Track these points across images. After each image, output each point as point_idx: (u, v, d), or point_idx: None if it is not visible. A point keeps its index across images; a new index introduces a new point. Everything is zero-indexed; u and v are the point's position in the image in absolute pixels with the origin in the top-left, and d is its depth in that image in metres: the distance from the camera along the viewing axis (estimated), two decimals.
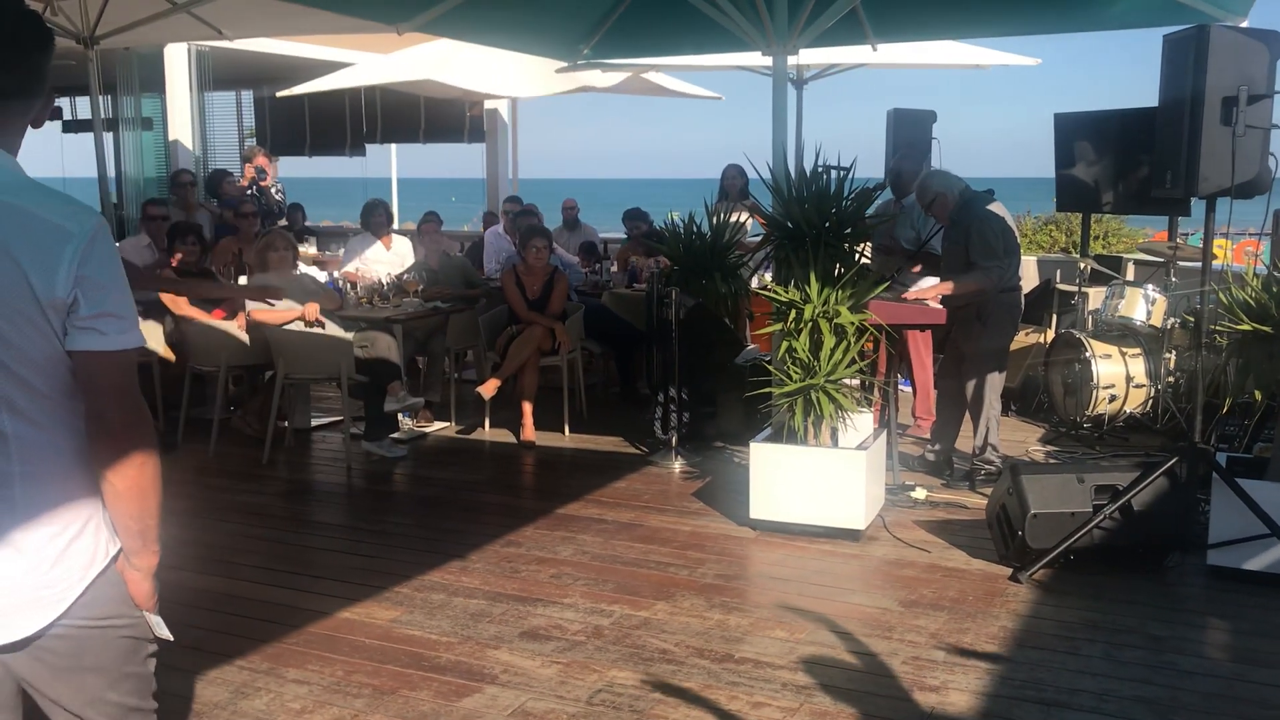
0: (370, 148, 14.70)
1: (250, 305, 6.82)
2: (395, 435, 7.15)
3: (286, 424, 7.29)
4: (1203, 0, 6.11)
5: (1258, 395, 4.77)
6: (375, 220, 8.46)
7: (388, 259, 8.33)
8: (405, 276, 7.78)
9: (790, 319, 5.34)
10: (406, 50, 10.36)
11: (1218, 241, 6.25)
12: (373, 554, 5.21)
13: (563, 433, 7.47)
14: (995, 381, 6.12)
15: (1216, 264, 4.92)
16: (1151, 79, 4.80)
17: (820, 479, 5.28)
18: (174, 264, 7.29)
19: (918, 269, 6.86)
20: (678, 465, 6.63)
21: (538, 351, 7.34)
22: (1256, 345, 4.62)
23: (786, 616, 4.38)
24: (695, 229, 6.77)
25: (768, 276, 7.15)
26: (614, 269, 9.44)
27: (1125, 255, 9.55)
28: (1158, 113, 4.75)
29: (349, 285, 7.73)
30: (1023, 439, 7.18)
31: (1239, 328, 4.65)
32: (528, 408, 7.26)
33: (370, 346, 6.98)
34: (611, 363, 8.88)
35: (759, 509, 5.40)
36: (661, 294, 6.67)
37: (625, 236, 9.83)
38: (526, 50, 8.19)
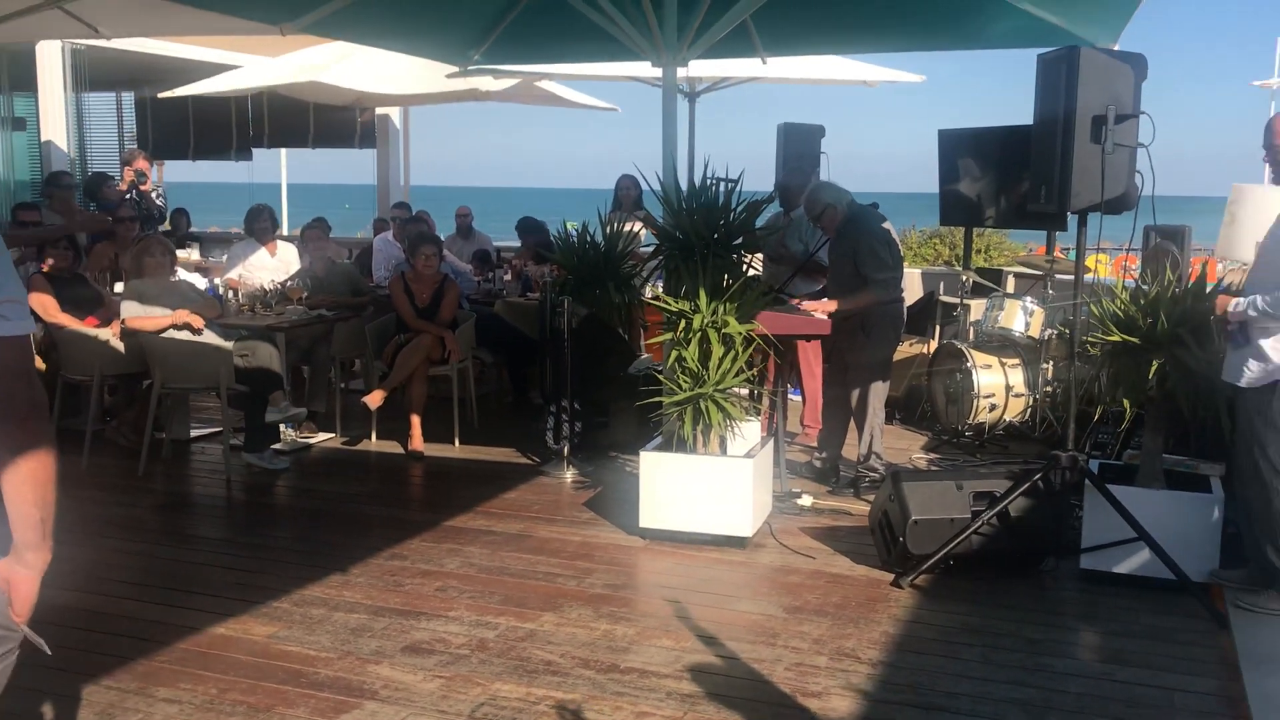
0: (258, 152, 14.36)
1: (126, 312, 6.58)
2: (277, 446, 6.99)
3: (164, 435, 7.06)
4: (1077, 25, 6.36)
5: (1127, 404, 4.93)
6: (259, 226, 8.27)
7: (272, 265, 8.14)
8: (289, 284, 7.61)
9: (680, 329, 5.37)
10: (294, 53, 10.18)
11: (1096, 255, 6.49)
12: (251, 568, 5.07)
13: (452, 443, 7.38)
14: (880, 390, 6.24)
15: (1089, 277, 5.07)
16: (1031, 97, 4.95)
17: (708, 487, 5.31)
18: (45, 270, 7.01)
19: (820, 285, 6.95)
20: (569, 475, 6.60)
21: (427, 361, 7.25)
22: (1126, 356, 4.78)
23: (673, 625, 4.38)
24: (589, 238, 6.77)
25: (659, 287, 7.18)
26: (507, 277, 9.38)
27: (1005, 268, 9.83)
28: (1033, 130, 4.89)
29: (230, 292, 7.52)
30: (906, 447, 7.32)
31: (1110, 339, 4.81)
32: (416, 418, 7.16)
33: (251, 355, 6.80)
34: (504, 372, 8.82)
35: (649, 518, 5.41)
36: (555, 303, 6.64)
37: (519, 245, 9.78)
38: (416, 54, 8.12)
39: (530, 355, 8.20)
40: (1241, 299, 4.40)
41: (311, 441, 7.43)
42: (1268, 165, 4.47)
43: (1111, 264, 13.47)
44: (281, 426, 7.06)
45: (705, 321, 5.29)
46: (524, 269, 9.08)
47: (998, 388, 7.17)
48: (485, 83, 10.04)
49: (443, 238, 8.92)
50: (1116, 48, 6.03)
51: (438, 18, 7.09)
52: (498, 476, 6.63)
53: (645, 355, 7.88)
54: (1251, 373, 4.39)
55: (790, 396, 7.55)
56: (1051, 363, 7.17)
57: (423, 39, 7.48)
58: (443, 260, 7.82)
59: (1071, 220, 4.92)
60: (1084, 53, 4.53)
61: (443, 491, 6.49)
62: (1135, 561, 4.76)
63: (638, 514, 5.44)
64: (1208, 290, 4.70)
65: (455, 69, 8.13)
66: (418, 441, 7.14)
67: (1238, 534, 4.76)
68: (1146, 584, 4.73)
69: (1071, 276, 7.62)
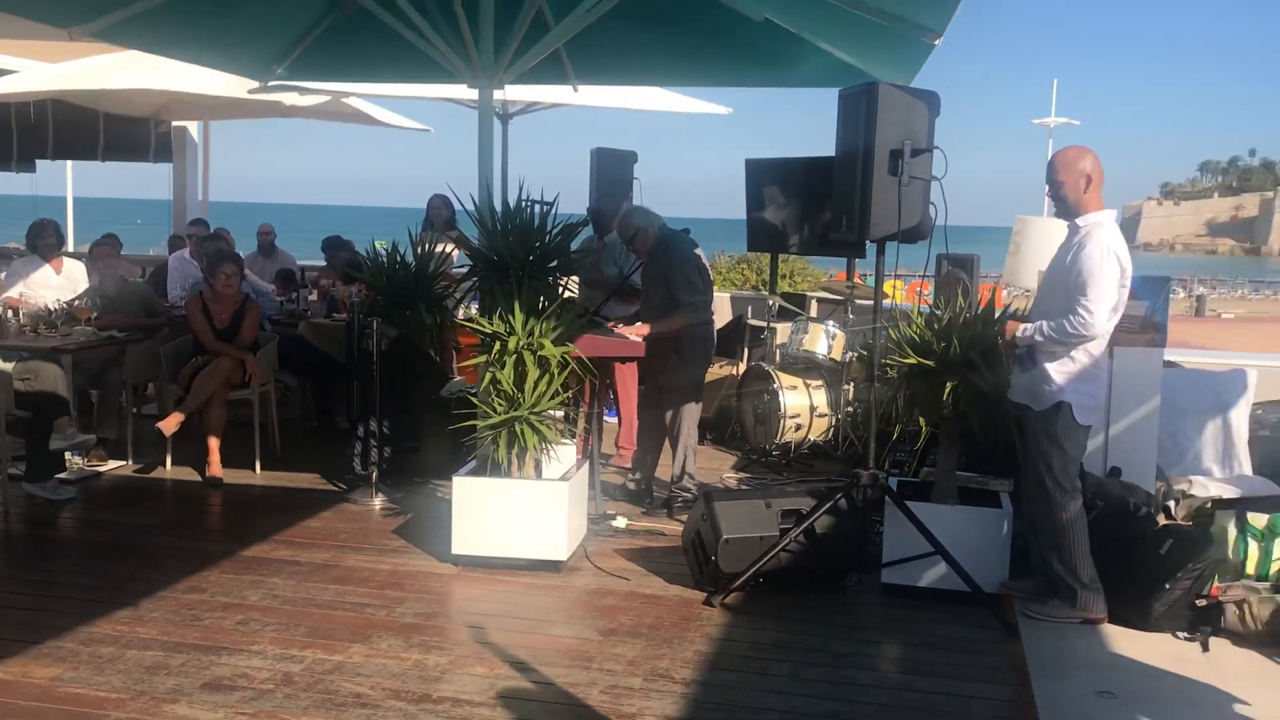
0: (41, 164, 13.49)
1: None
2: (62, 476, 6.56)
3: None
4: (875, 67, 6.66)
5: (923, 423, 5.16)
6: (44, 242, 7.76)
7: (57, 284, 7.65)
8: (77, 303, 7.18)
9: (495, 351, 5.32)
10: (83, 60, 9.62)
11: (893, 282, 6.78)
12: (31, 606, 4.73)
13: (253, 470, 7.09)
14: (692, 412, 6.34)
15: (887, 303, 5.30)
16: (833, 130, 5.15)
17: (523, 511, 5.27)
18: None
19: (634, 308, 7.01)
20: (378, 502, 6.44)
21: (226, 384, 6.96)
22: (922, 378, 5.01)
23: (487, 652, 4.32)
24: (399, 258, 6.64)
25: (474, 309, 7.11)
26: (312, 297, 9.11)
27: (809, 293, 10.18)
28: (834, 162, 5.09)
29: (10, 312, 7.04)
30: (717, 467, 7.47)
31: (906, 362, 5.03)
32: (214, 443, 6.86)
33: (34, 379, 6.37)
34: (308, 395, 8.54)
35: (462, 544, 5.33)
36: (363, 324, 6.48)
37: (325, 264, 9.52)
38: (213, 66, 7.81)
39: (336, 378, 7.98)
40: (1028, 325, 4.68)
41: (101, 470, 7.01)
42: (1050, 199, 4.76)
43: (906, 290, 14.15)
44: (67, 454, 6.64)
45: (521, 344, 5.26)
46: (330, 289, 8.84)
47: (803, 408, 7.40)
48: (291, 98, 9.76)
49: (243, 256, 8.60)
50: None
51: (238, 30, 6.85)
52: (302, 504, 6.41)
53: (457, 378, 7.79)
54: (1037, 394, 4.68)
55: (606, 418, 7.59)
56: (852, 384, 7.45)
57: (221, 52, 7.21)
58: (243, 279, 7.54)
59: (871, 248, 5.13)
60: (882, 89, 4.74)
61: (243, 520, 6.22)
62: (933, 574, 4.98)
63: (450, 540, 5.35)
64: (997, 316, 4.98)
65: (257, 84, 7.86)
66: (216, 468, 6.84)
67: (1025, 546, 5.05)
68: (943, 596, 4.95)
69: (870, 302, 8.00)
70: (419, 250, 6.69)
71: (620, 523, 6.01)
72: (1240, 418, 6.02)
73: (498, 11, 5.87)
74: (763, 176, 8.55)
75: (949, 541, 4.88)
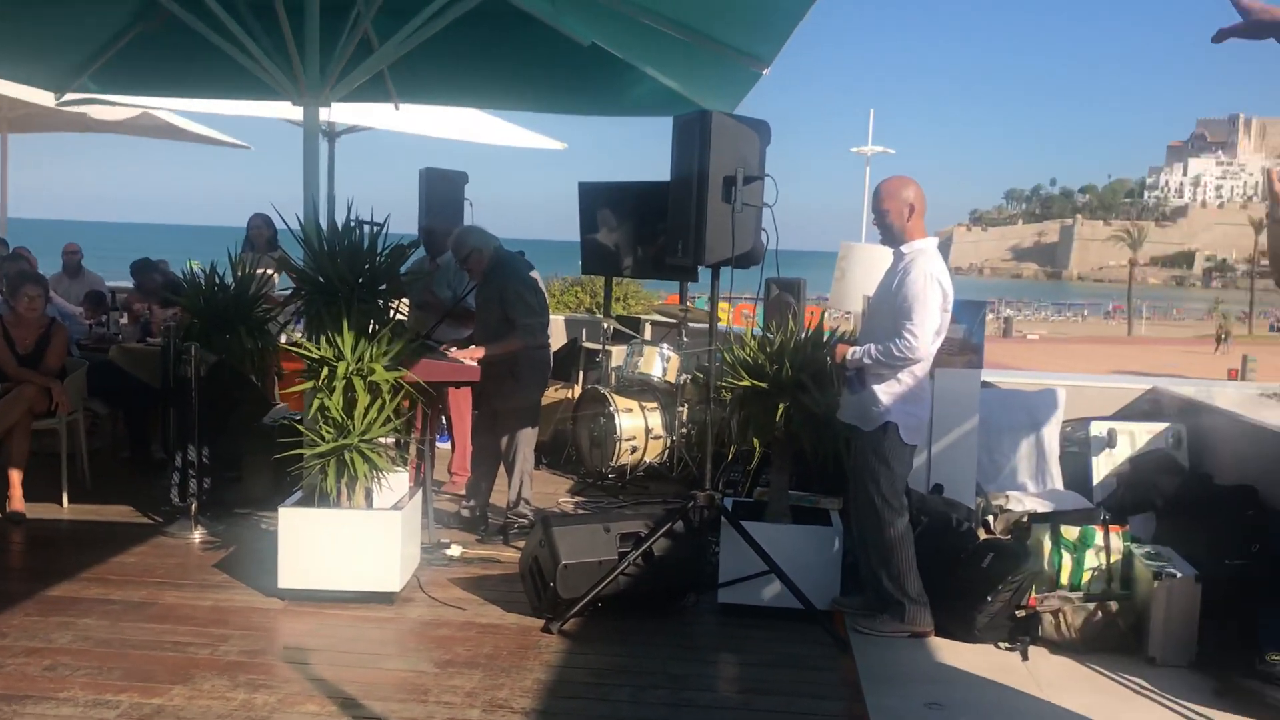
0: None
1: None
2: None
3: None
4: (701, 94, 6.79)
5: (757, 444, 5.25)
6: None
7: None
8: None
9: (323, 376, 5.15)
10: None
11: (721, 305, 6.89)
12: None
13: (60, 503, 6.67)
14: (529, 436, 6.28)
15: (722, 326, 5.37)
16: (665, 157, 5.21)
17: (353, 542, 5.10)
18: None
19: (467, 331, 6.90)
20: (197, 535, 6.14)
21: (29, 413, 6.53)
22: (755, 400, 5.09)
23: (317, 689, 4.15)
24: (218, 280, 6.37)
25: (298, 333, 6.88)
26: (123, 321, 8.65)
27: (643, 316, 10.27)
28: (670, 188, 5.14)
29: None
30: (553, 491, 7.42)
31: (741, 384, 5.10)
32: (16, 476, 6.42)
33: None
34: (120, 424, 8.09)
35: (289, 578, 5.12)
36: (179, 349, 6.18)
37: (135, 286, 9.06)
38: (6, 77, 7.36)
39: (151, 406, 7.58)
40: (857, 348, 4.82)
41: None
42: (876, 226, 4.92)
43: (733, 312, 14.43)
44: None
45: (350, 369, 5.11)
46: (144, 312, 8.42)
47: (638, 430, 7.44)
48: (99, 110, 9.29)
49: (48, 277, 8.10)
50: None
51: (33, 39, 6.47)
52: (115, 539, 6.05)
53: (280, 404, 7.52)
54: (866, 415, 4.82)
55: (438, 444, 7.45)
56: (687, 406, 7.53)
57: (14, 63, 6.79)
58: (49, 302, 7.10)
59: (704, 272, 5.20)
60: (715, 117, 4.82)
61: (49, 558, 5.83)
62: (768, 593, 5.06)
63: (276, 574, 5.13)
64: (826, 339, 5.11)
65: (57, 95, 7.43)
66: (18, 502, 6.40)
67: (855, 563, 5.18)
68: (778, 614, 5.02)
69: (702, 324, 8.12)
70: (239, 272, 6.44)
71: (455, 551, 5.89)
72: (1052, 435, 6.34)
73: (323, 29, 5.71)
74: (596, 200, 8.59)
75: (783, 560, 4.97)
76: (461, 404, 7.23)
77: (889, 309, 4.75)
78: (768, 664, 4.60)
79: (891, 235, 4.85)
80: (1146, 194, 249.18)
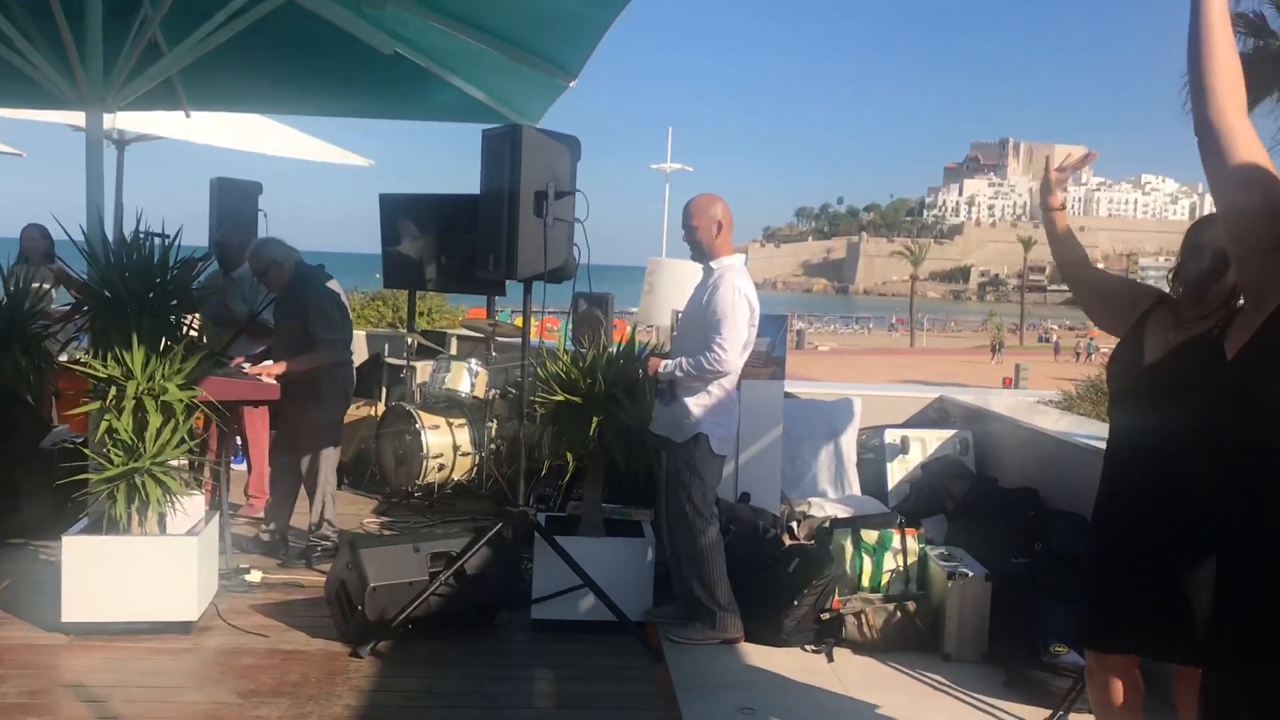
0: None
1: None
2: None
3: None
4: (508, 105, 6.76)
5: (570, 458, 5.25)
6: None
7: None
8: None
9: (110, 397, 4.85)
10: None
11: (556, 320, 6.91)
12: None
13: None
14: (331, 456, 6.10)
15: (533, 340, 5.36)
16: (468, 168, 5.17)
17: (146, 570, 4.83)
18: None
19: (264, 346, 6.64)
20: None
21: None
22: (568, 414, 5.09)
23: None
24: None
25: (80, 350, 6.47)
26: None
27: (449, 331, 10.13)
28: (480, 202, 5.09)
29: None
30: (357, 512, 7.22)
31: (554, 398, 5.10)
32: None
33: None
34: None
35: (74, 610, 4.79)
36: None
37: None
38: None
39: None
40: (669, 361, 4.89)
41: None
42: (685, 242, 5.01)
43: (537, 326, 14.42)
44: None
45: (141, 388, 4.83)
46: None
47: (446, 447, 7.32)
48: None
49: None
50: (539, 126, 6.51)
51: None
52: None
53: (61, 427, 7.05)
54: (678, 427, 4.89)
55: (234, 466, 7.14)
56: (496, 421, 7.47)
57: None
58: None
59: (512, 286, 5.18)
60: (526, 132, 4.82)
61: None
62: (582, 607, 5.06)
63: (59, 607, 4.80)
64: (638, 353, 5.16)
65: None
66: None
67: (668, 573, 5.25)
68: (592, 627, 5.03)
69: (511, 339, 8.08)
70: (11, 286, 6.00)
71: (255, 576, 5.65)
72: (849, 443, 6.61)
73: (108, 31, 5.40)
74: (398, 212, 8.43)
75: (597, 573, 4.98)
76: (257, 423, 6.95)
77: (699, 323, 4.84)
78: (583, 678, 4.60)
79: (700, 251, 4.95)
80: (926, 212, 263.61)
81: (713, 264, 4.92)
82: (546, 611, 5.10)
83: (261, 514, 6.52)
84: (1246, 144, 1.86)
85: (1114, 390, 3.30)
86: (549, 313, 5.74)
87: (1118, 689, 3.24)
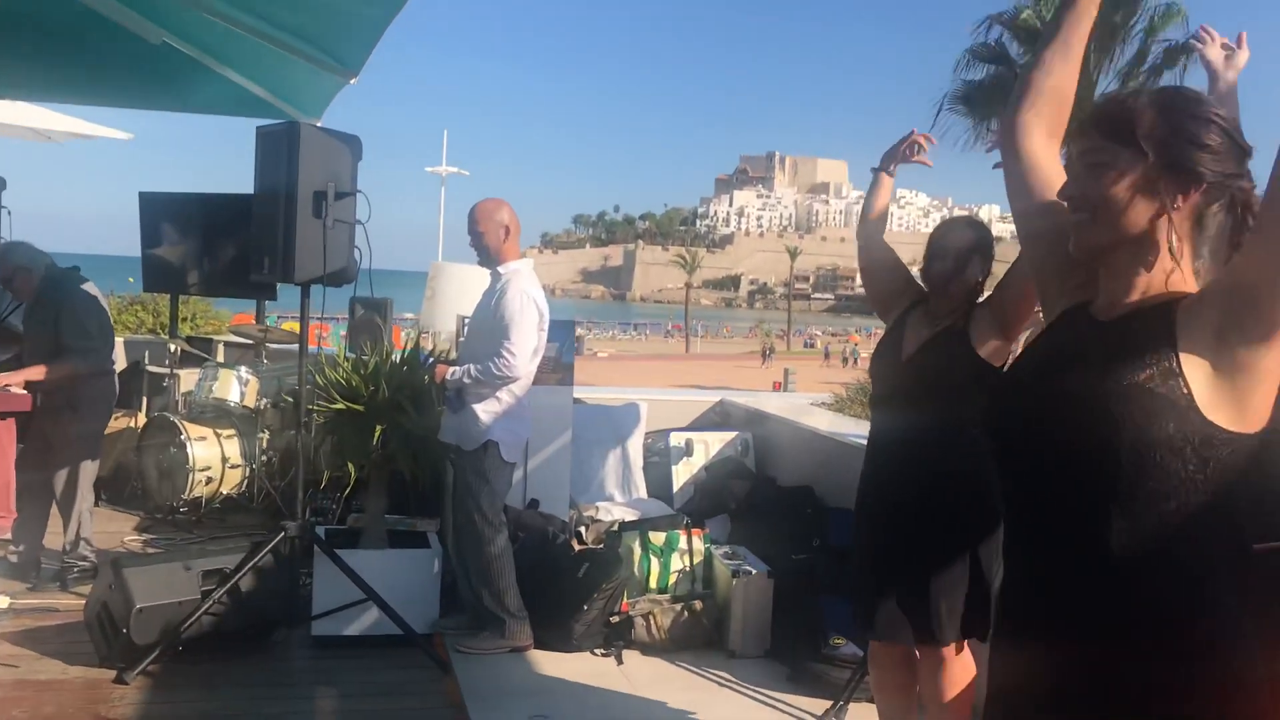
0: None
1: None
2: None
3: None
4: (281, 101, 6.49)
5: (351, 469, 5.09)
6: None
7: None
8: None
9: None
10: None
11: (293, 325, 6.63)
12: None
13: None
14: (88, 470, 5.70)
15: (295, 346, 5.17)
16: (247, 165, 4.92)
17: None
18: None
19: (11, 354, 6.12)
20: None
21: None
22: (350, 423, 4.93)
23: None
24: None
25: None
26: None
27: (215, 337, 9.64)
28: (254, 201, 4.87)
29: None
30: (118, 529, 6.76)
31: (334, 407, 4.92)
32: None
33: None
34: None
35: None
36: None
37: None
38: None
39: None
40: (457, 368, 4.81)
41: None
42: (472, 248, 4.94)
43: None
44: None
45: None
46: None
47: (213, 459, 6.95)
48: None
49: None
50: (320, 124, 6.30)
51: None
52: None
53: None
54: (467, 434, 4.82)
55: None
56: (268, 432, 7.15)
57: None
58: None
59: (284, 290, 4.98)
60: (304, 128, 4.64)
61: None
62: (366, 621, 4.91)
63: None
64: (425, 360, 5.05)
65: None
66: None
67: (454, 583, 5.16)
68: (377, 642, 4.88)
69: (283, 345, 7.77)
70: None
71: (2, 602, 5.21)
72: (636, 447, 6.68)
73: None
74: (159, 211, 7.98)
75: (382, 586, 4.84)
76: (3, 437, 6.40)
77: (488, 329, 4.78)
78: (368, 694, 4.46)
79: (488, 256, 4.89)
80: (699, 222, 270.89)
81: (500, 269, 4.88)
82: (327, 627, 4.92)
83: (9, 535, 6.01)
84: (1051, 160, 1.92)
85: (875, 387, 3.53)
86: (317, 319, 5.54)
87: (893, 673, 3.42)
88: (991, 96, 22.82)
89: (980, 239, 3.39)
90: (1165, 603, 1.60)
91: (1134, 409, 1.59)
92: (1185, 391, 1.59)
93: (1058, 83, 1.89)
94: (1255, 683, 1.60)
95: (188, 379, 7.59)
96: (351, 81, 5.85)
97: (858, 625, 3.52)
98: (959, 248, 3.33)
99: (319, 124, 6.28)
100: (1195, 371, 1.60)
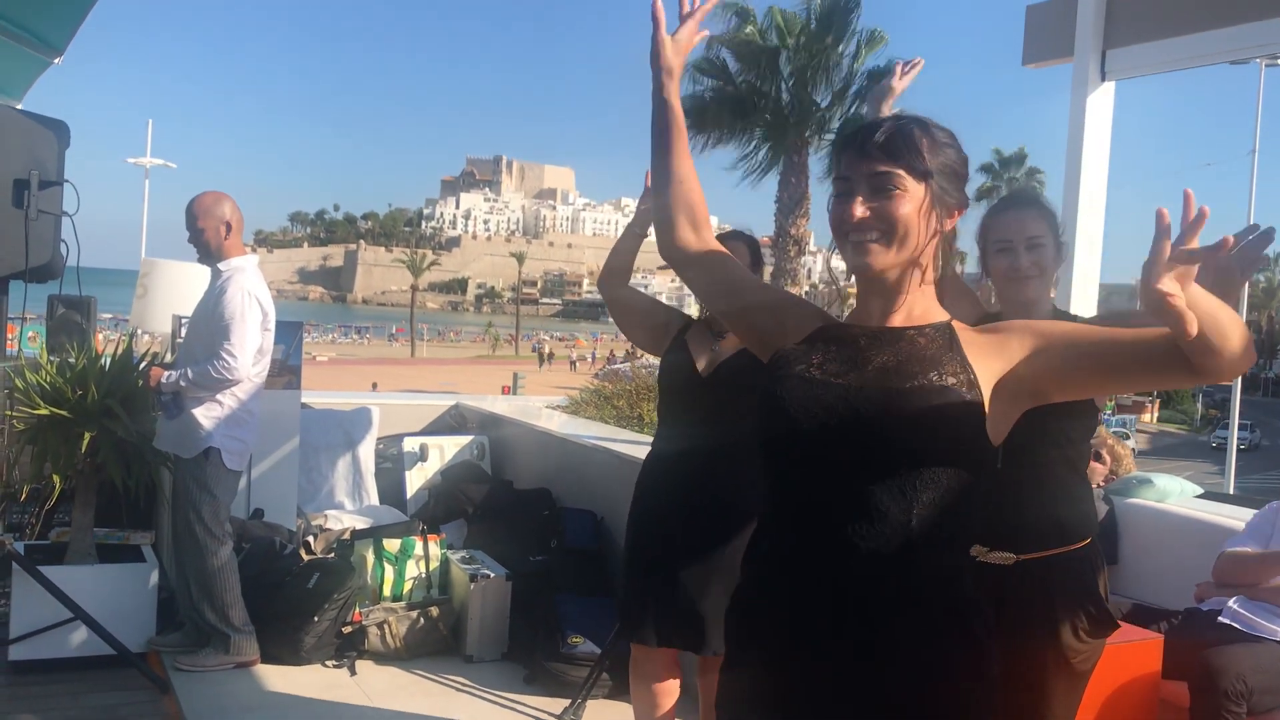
0: None
1: None
2: None
3: None
4: None
5: (56, 479, 4.71)
6: None
7: None
8: None
9: None
10: None
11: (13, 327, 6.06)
12: None
13: None
14: None
15: (11, 350, 4.76)
16: None
17: None
18: None
19: None
20: None
21: None
22: (54, 429, 4.56)
23: None
24: None
25: None
26: None
27: None
28: None
29: None
30: None
31: (37, 413, 4.54)
32: None
33: None
34: None
35: None
36: None
37: None
38: None
39: None
40: (173, 371, 4.54)
41: None
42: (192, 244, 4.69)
43: (29, 336, 12.72)
44: None
45: None
46: None
47: None
48: None
49: None
50: (20, 107, 5.82)
51: None
52: None
53: None
54: (186, 441, 4.56)
55: None
56: None
57: None
58: None
59: None
60: (3, 111, 4.28)
61: None
62: (73, 642, 4.56)
63: None
64: (137, 362, 4.75)
65: None
66: None
67: (172, 598, 4.88)
68: (87, 663, 4.55)
69: None
70: None
71: None
72: (367, 452, 6.53)
73: None
74: None
75: (90, 604, 4.52)
76: None
77: (207, 329, 4.55)
78: (77, 719, 4.14)
79: (208, 253, 4.65)
80: (424, 224, 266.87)
81: (221, 265, 4.64)
82: (28, 651, 4.54)
83: None
84: (716, 255, 2.01)
85: (670, 402, 3.50)
86: (17, 318, 5.13)
87: (654, 677, 3.45)
88: (711, 112, 23.76)
89: (749, 247, 3.46)
90: (925, 589, 1.73)
91: (929, 408, 1.70)
92: (977, 398, 1.72)
93: (691, 184, 2.00)
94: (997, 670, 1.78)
95: None
96: (56, 62, 5.46)
97: (624, 629, 3.51)
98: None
99: (19, 106, 5.83)
100: (986, 384, 1.74)
